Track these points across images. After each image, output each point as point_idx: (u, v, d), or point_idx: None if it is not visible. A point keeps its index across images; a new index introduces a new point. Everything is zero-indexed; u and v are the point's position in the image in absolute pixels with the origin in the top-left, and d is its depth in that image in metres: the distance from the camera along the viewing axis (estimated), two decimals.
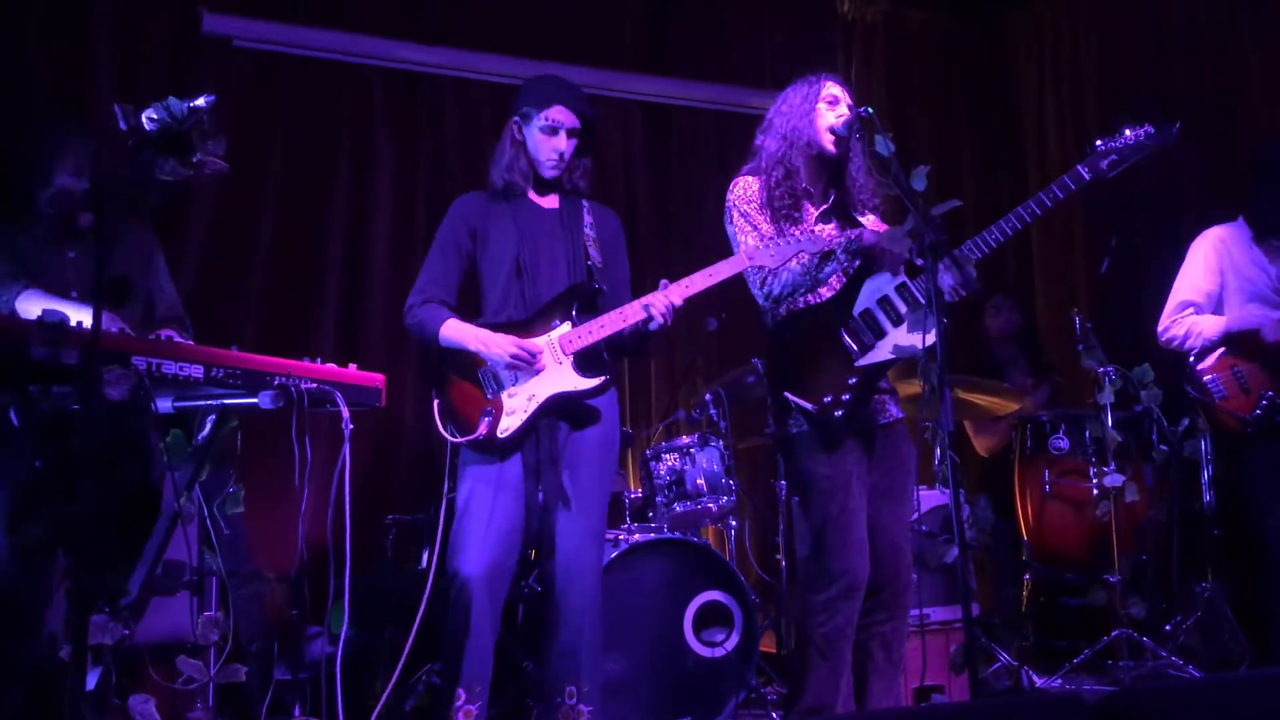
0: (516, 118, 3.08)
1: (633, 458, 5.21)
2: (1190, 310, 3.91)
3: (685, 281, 2.94)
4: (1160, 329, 3.98)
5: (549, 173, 3.07)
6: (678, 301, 2.90)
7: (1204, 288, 3.92)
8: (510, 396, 2.91)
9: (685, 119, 5.88)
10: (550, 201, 3.13)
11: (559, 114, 3.03)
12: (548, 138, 3.04)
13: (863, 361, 2.97)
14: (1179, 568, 4.10)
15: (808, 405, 2.93)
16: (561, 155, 3.04)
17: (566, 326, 2.95)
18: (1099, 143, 2.95)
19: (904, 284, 2.99)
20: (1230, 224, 3.98)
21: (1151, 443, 4.14)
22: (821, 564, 2.92)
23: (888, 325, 2.99)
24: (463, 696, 2.77)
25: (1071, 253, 6.14)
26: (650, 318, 2.88)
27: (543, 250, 3.04)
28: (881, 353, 2.98)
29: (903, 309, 2.97)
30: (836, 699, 2.90)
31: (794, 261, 2.93)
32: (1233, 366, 3.82)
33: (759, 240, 2.99)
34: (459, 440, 2.88)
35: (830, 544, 2.90)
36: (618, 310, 2.93)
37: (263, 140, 4.87)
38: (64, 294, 2.83)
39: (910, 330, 2.95)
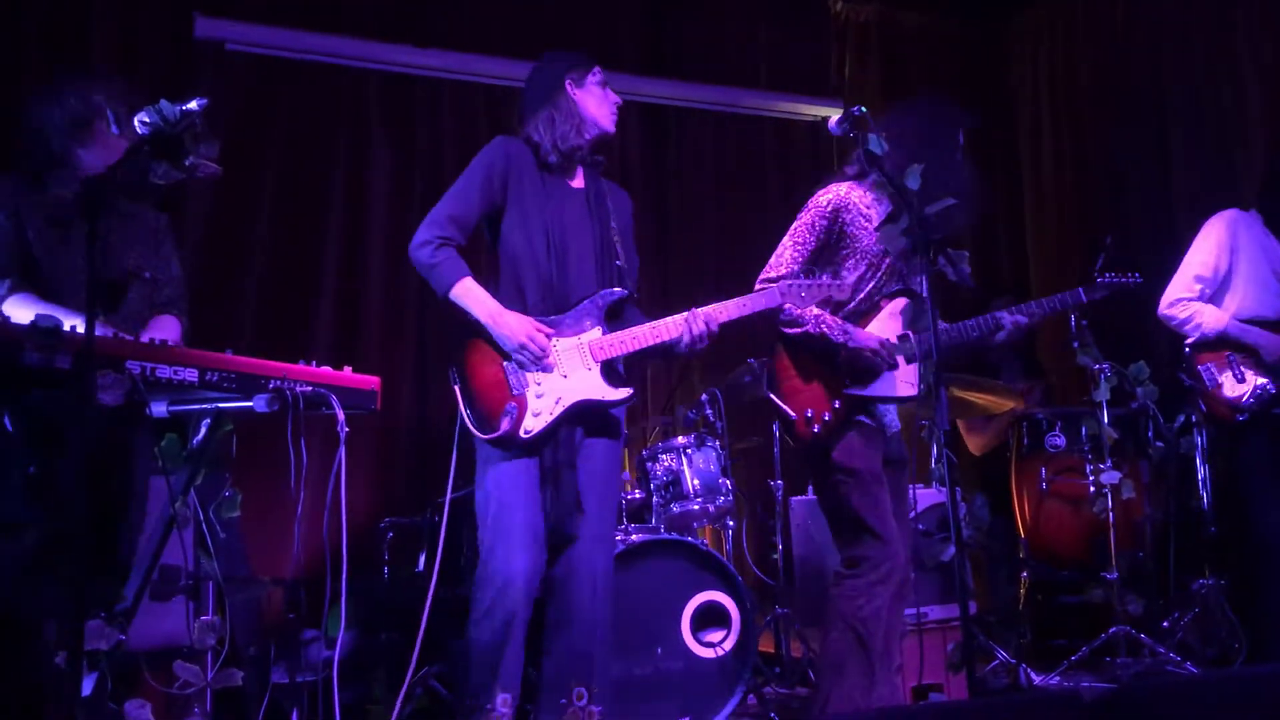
0: (569, 80, 2.99)
1: (629, 458, 5.21)
2: (1200, 288, 3.91)
3: (718, 308, 2.91)
4: (1165, 301, 3.95)
5: (611, 125, 3.03)
6: (714, 328, 2.87)
7: (1213, 264, 3.91)
8: (537, 397, 2.81)
9: (682, 120, 5.89)
10: (577, 180, 3.04)
11: (602, 72, 3.06)
12: (604, 91, 3.03)
13: (851, 391, 3.02)
14: (1176, 564, 4.11)
15: (789, 412, 3.03)
16: (618, 107, 3.06)
17: (597, 332, 2.87)
18: (1099, 276, 3.46)
19: (905, 335, 3.05)
20: (1245, 210, 3.98)
21: (1148, 440, 4.15)
22: (862, 552, 2.99)
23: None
24: (507, 701, 2.70)
25: (1066, 251, 6.15)
26: (678, 339, 2.87)
27: (571, 235, 2.94)
28: (873, 388, 3.04)
29: (900, 356, 3.03)
30: (872, 684, 2.94)
31: (804, 311, 3.02)
32: (1229, 355, 3.82)
33: (790, 267, 3.07)
34: (485, 436, 2.76)
35: (870, 533, 2.98)
36: (650, 326, 2.88)
37: (259, 143, 4.87)
38: (64, 280, 2.69)
39: (904, 377, 3.05)
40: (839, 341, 3.01)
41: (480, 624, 2.73)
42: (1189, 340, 3.90)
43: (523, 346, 2.75)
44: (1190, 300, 3.90)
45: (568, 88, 2.99)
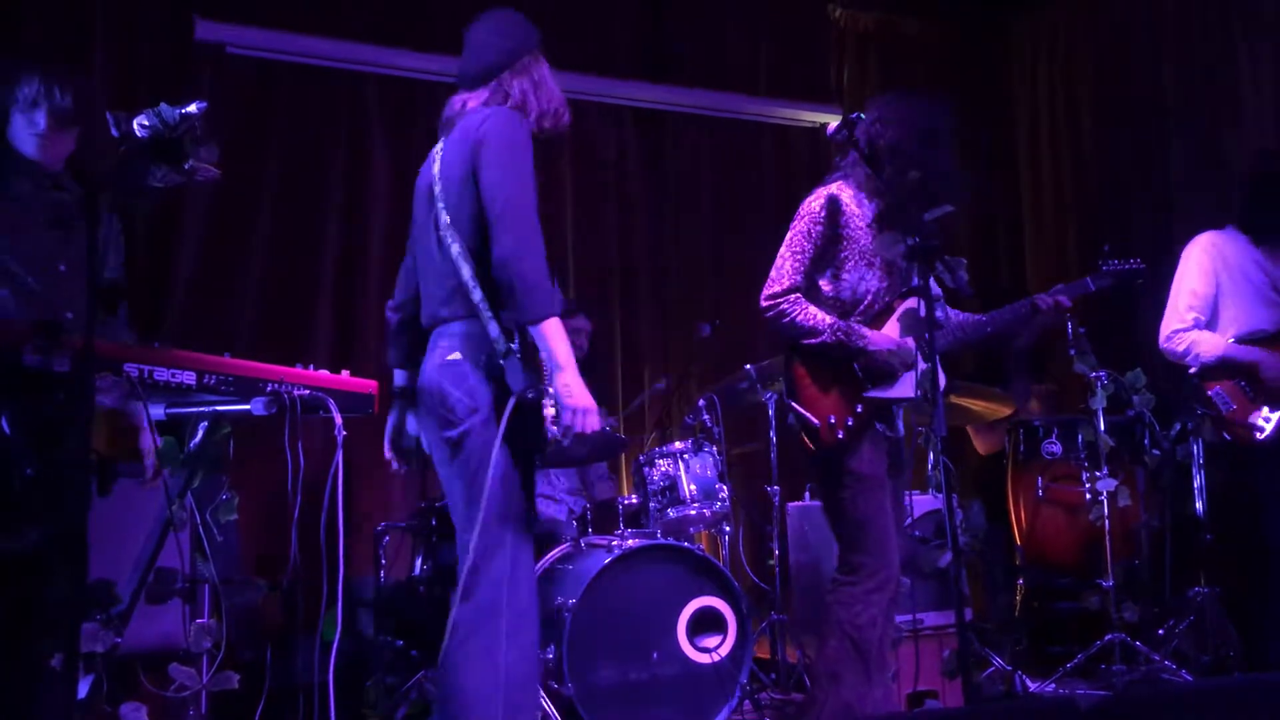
0: (540, 52, 2.77)
1: (626, 463, 5.21)
2: (1192, 316, 3.89)
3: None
4: (1163, 338, 3.94)
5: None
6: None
7: (1200, 291, 3.90)
8: None
9: (681, 125, 5.90)
10: None
11: None
12: None
13: (872, 394, 3.02)
14: (1172, 572, 4.11)
15: (811, 419, 3.00)
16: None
17: None
18: (1103, 264, 3.44)
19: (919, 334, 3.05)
20: (1220, 230, 3.98)
21: (1144, 447, 4.15)
22: (860, 558, 2.99)
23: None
24: None
25: (1064, 258, 6.17)
26: None
27: None
28: (892, 390, 3.04)
29: (918, 355, 3.03)
30: (869, 691, 2.94)
31: (819, 320, 2.98)
32: (1236, 379, 3.81)
33: (793, 279, 3.02)
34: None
35: (871, 540, 2.98)
36: None
37: (258, 147, 4.88)
38: (48, 267, 2.67)
39: (918, 379, 3.04)
40: (858, 348, 2.99)
41: (526, 654, 2.49)
42: (1191, 370, 3.88)
43: (585, 412, 2.47)
44: (1185, 331, 3.88)
45: (541, 59, 2.76)
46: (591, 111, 5.64)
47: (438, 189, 2.62)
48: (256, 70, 4.91)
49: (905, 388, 3.04)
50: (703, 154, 5.94)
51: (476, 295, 2.51)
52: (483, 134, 2.54)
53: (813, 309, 3.02)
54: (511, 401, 2.46)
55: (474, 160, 2.53)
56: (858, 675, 2.94)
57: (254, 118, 4.89)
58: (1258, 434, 3.76)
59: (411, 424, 2.75)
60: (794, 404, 3.07)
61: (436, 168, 2.66)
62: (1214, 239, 3.95)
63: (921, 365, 3.03)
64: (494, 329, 2.49)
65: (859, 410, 3.01)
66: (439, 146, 2.70)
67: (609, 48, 5.74)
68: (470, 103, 2.68)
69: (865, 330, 3.02)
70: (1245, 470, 3.85)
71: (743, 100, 5.98)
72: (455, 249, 2.54)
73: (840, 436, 3.00)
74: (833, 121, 2.97)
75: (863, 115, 2.99)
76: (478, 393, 2.51)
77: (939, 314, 3.22)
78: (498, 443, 2.46)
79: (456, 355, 2.54)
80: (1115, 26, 5.92)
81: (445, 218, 2.58)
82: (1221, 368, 3.83)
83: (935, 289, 3.13)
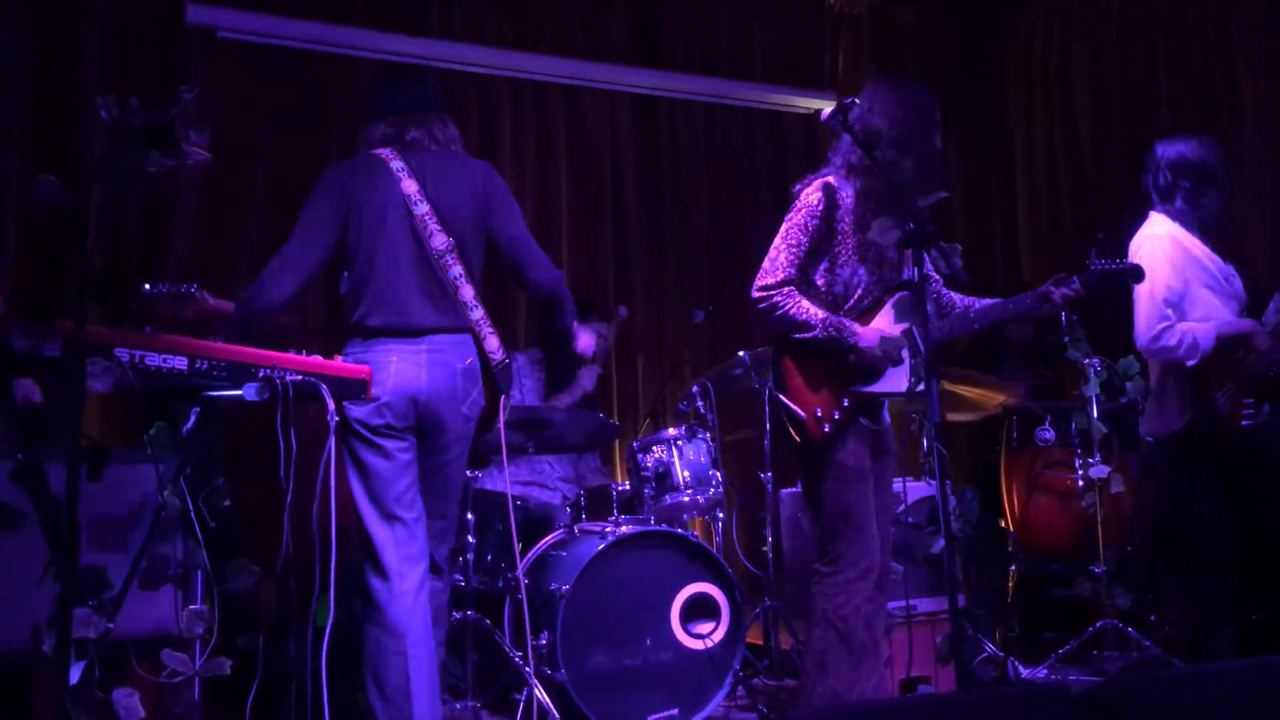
0: None
1: (620, 450, 5.21)
2: (1170, 313, 3.62)
3: None
4: (1148, 337, 3.63)
5: None
6: None
7: (1176, 286, 3.64)
8: None
9: (674, 111, 5.88)
10: None
11: None
12: None
13: (859, 388, 3.02)
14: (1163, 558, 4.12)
15: (799, 412, 3.01)
16: None
17: None
18: (1090, 263, 3.16)
19: (910, 329, 3.03)
20: (1161, 218, 3.75)
21: (1136, 434, 4.15)
22: (841, 548, 3.00)
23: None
24: None
25: (1058, 247, 6.17)
26: None
27: None
28: (880, 385, 3.05)
29: (905, 352, 3.02)
30: (856, 679, 2.94)
31: (812, 315, 2.98)
32: (1225, 383, 3.61)
33: (787, 271, 3.03)
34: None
35: (852, 530, 3.00)
36: None
37: (250, 131, 4.85)
38: None
39: (909, 373, 3.07)
40: (850, 343, 2.99)
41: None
42: (1190, 363, 3.60)
43: None
44: (1174, 326, 3.60)
45: None
46: (585, 97, 5.63)
47: (421, 210, 2.91)
48: (248, 54, 4.88)
49: (892, 382, 3.05)
50: (696, 139, 5.92)
51: (478, 314, 2.94)
52: (498, 192, 3.04)
53: (805, 303, 3.01)
54: (504, 400, 2.98)
55: (486, 210, 2.99)
56: (844, 664, 2.95)
57: (246, 103, 4.86)
58: (1244, 423, 3.63)
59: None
60: (782, 397, 3.08)
61: (410, 187, 2.91)
62: (1169, 231, 3.70)
63: (908, 360, 3.05)
64: (494, 342, 2.96)
65: (845, 404, 3.02)
66: (399, 164, 2.94)
67: (603, 33, 5.72)
68: (416, 134, 3.00)
69: (856, 326, 3.02)
70: (1215, 465, 3.65)
71: (737, 86, 5.97)
72: (456, 271, 2.91)
73: (826, 430, 3.01)
74: (827, 107, 2.95)
75: (857, 101, 2.98)
76: (483, 393, 2.97)
77: (945, 298, 3.23)
78: (503, 434, 2.97)
79: (472, 359, 2.94)
80: (1111, 13, 5.90)
81: (441, 241, 2.90)
82: (1217, 361, 3.59)
83: (934, 275, 3.13)
